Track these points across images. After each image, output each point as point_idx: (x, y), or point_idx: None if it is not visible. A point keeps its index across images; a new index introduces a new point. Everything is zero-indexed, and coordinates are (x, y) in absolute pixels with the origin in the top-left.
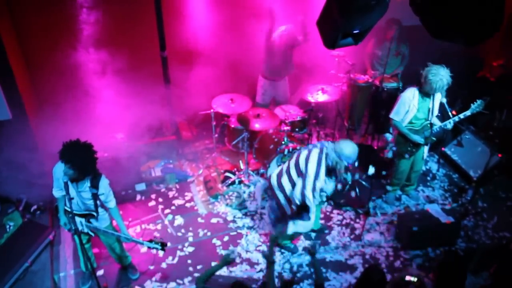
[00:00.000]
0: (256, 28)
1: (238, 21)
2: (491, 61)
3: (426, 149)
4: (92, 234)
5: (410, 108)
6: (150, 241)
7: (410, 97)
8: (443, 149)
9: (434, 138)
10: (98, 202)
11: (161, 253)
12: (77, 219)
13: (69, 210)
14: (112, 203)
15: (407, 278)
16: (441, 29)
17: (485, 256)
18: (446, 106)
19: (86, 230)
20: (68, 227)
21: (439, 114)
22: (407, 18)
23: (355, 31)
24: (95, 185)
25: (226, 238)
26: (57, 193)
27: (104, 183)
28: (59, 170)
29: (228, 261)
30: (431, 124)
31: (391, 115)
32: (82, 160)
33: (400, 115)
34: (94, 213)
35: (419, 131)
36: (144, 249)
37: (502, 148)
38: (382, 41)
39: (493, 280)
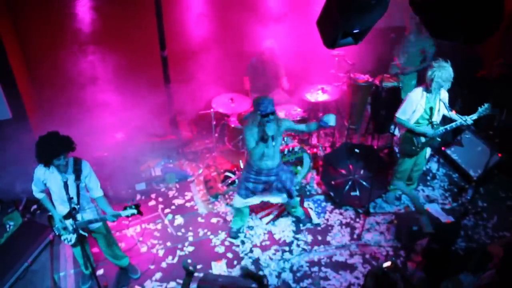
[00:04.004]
0: (256, 26)
1: (238, 20)
2: (491, 61)
3: (428, 148)
4: (86, 234)
5: (417, 108)
6: (125, 208)
7: (418, 97)
8: (443, 148)
9: (439, 139)
10: (81, 191)
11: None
12: (67, 222)
13: (62, 222)
14: (97, 191)
15: (384, 265)
16: (441, 29)
17: (484, 256)
18: (446, 105)
19: (79, 232)
20: (61, 228)
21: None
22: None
23: (355, 31)
24: (78, 169)
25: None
26: (40, 194)
27: (85, 165)
28: (41, 172)
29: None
30: (432, 124)
31: (398, 114)
32: (62, 143)
33: (406, 115)
34: (76, 206)
35: None
36: (144, 248)
37: (502, 148)
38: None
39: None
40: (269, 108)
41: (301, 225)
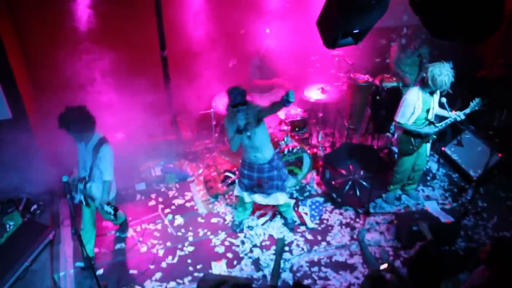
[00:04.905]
0: (256, 26)
1: (238, 20)
2: (490, 61)
3: (428, 146)
4: (83, 202)
5: (416, 109)
6: (109, 204)
7: (415, 98)
8: (443, 148)
9: (434, 136)
10: (94, 167)
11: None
12: (80, 185)
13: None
14: (106, 175)
15: (381, 267)
16: (441, 29)
17: None
18: (446, 105)
19: (81, 198)
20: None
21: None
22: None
23: (355, 31)
24: (97, 149)
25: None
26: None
27: (105, 148)
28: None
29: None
30: (430, 123)
31: (397, 118)
32: (75, 124)
33: (405, 118)
34: (87, 177)
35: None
36: (144, 248)
37: (502, 148)
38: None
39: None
40: (237, 99)
41: (285, 226)
